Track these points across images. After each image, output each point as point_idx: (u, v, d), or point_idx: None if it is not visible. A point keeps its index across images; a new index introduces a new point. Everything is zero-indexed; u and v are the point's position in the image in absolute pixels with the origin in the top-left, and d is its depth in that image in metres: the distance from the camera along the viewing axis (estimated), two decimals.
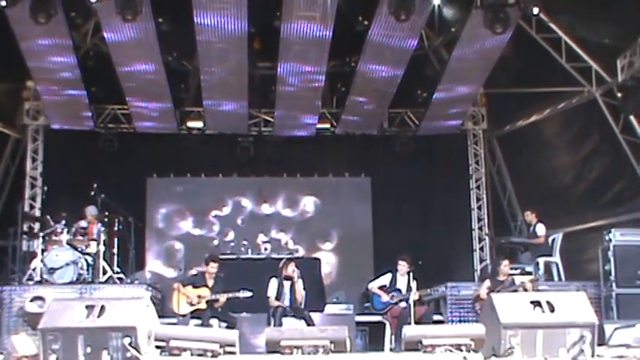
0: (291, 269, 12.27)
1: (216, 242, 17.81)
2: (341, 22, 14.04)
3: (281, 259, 13.12)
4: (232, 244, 16.80)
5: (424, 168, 18.11)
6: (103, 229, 13.28)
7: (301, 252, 17.51)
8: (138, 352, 6.69)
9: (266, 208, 18.16)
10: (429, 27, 15.72)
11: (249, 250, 15.90)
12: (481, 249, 17.90)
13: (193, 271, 14.14)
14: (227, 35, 14.18)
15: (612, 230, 13.11)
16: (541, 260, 14.02)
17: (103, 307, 6.98)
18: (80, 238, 13.26)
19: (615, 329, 10.87)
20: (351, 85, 16.18)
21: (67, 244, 12.96)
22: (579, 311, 7.54)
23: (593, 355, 7.28)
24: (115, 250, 13.93)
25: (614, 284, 12.77)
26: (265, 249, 16.09)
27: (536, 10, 13.47)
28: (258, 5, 14.12)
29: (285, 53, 14.86)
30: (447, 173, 18.08)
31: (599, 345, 8.39)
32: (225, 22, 13.80)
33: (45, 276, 12.62)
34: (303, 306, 12.25)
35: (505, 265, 12.58)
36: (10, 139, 17.34)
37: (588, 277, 13.90)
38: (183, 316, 11.68)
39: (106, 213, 13.60)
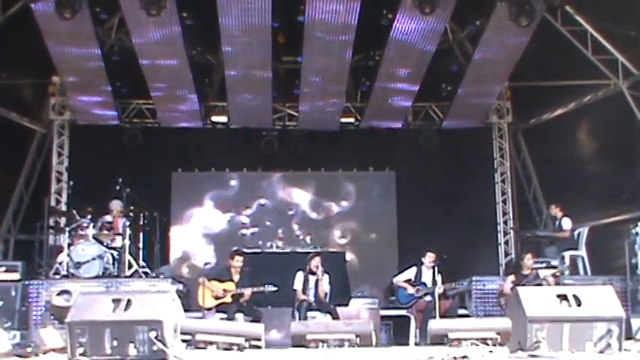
0: (315, 264, 12.26)
1: (240, 236, 17.77)
2: (365, 15, 13.99)
3: (305, 253, 13.13)
4: (257, 238, 16.83)
5: (449, 162, 18.02)
6: (128, 223, 13.36)
7: (326, 246, 17.46)
8: (164, 345, 6.71)
9: (290, 203, 18.19)
10: (453, 20, 15.63)
11: (274, 244, 15.94)
12: (506, 243, 17.82)
13: (219, 265, 14.17)
14: (251, 29, 14.20)
15: (639, 224, 13.02)
16: (567, 254, 13.96)
17: (129, 301, 7.00)
18: (106, 232, 13.34)
19: None
20: (376, 79, 16.13)
21: (93, 238, 13.05)
22: (606, 305, 7.47)
23: (620, 349, 7.21)
24: (141, 245, 14.02)
25: None
26: (289, 243, 16.12)
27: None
28: None
29: (310, 47, 14.86)
30: (471, 167, 17.99)
31: (627, 339, 8.34)
32: (249, 17, 13.82)
33: (71, 270, 12.74)
34: (327, 300, 12.25)
35: (528, 259, 12.51)
36: (37, 135, 17.46)
37: (614, 271, 13.81)
38: (209, 309, 11.74)
39: (131, 207, 13.65)
